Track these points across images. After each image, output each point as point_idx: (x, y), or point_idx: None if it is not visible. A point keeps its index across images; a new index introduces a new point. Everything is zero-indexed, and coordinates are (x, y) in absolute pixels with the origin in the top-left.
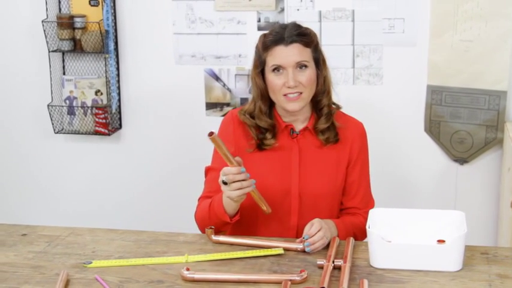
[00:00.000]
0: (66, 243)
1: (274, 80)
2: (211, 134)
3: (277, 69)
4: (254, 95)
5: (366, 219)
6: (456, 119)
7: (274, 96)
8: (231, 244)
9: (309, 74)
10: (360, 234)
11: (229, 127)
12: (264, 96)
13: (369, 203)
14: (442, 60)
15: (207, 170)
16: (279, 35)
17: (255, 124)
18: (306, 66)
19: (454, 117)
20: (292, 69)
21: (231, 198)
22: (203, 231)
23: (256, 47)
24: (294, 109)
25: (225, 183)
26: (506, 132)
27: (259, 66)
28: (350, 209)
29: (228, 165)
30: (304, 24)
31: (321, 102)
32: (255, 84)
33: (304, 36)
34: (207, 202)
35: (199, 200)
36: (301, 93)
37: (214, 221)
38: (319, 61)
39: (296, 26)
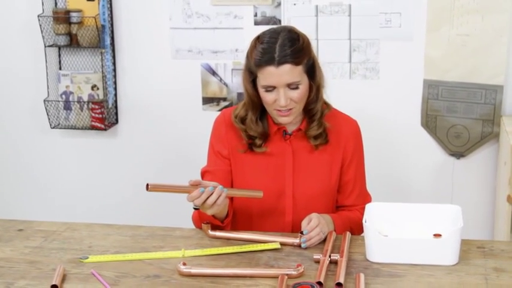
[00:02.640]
0: (63, 238)
1: (265, 96)
2: (147, 186)
3: (268, 87)
4: (246, 103)
5: (362, 214)
6: (453, 113)
7: (266, 107)
8: (228, 239)
9: (300, 91)
10: (357, 228)
11: (222, 128)
12: (256, 104)
13: (365, 200)
14: (438, 54)
15: (203, 173)
16: (270, 53)
17: (246, 129)
18: (297, 85)
19: (450, 112)
20: (284, 88)
21: (212, 214)
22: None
23: (247, 57)
24: (285, 122)
25: (196, 208)
26: (503, 127)
27: (251, 76)
28: (346, 207)
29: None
30: (300, 21)
31: (313, 110)
32: (246, 91)
33: (295, 55)
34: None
35: None
36: (292, 107)
37: (210, 222)
38: (312, 71)
39: (288, 41)
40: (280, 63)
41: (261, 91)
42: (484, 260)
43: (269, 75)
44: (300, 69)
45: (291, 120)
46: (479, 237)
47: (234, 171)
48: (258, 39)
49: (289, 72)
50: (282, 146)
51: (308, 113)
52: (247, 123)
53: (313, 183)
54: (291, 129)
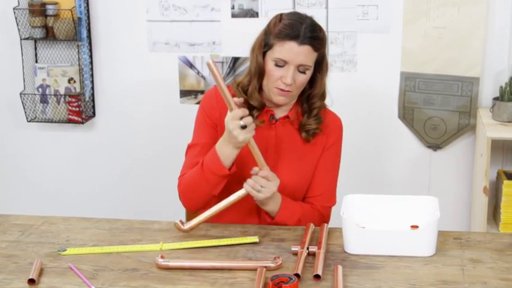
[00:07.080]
0: (40, 232)
1: (273, 70)
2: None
3: (280, 62)
4: (252, 71)
5: (317, 212)
6: (429, 105)
7: (266, 82)
8: (202, 223)
9: (305, 78)
10: (304, 221)
11: (213, 101)
12: (261, 75)
13: (330, 201)
14: (415, 47)
15: (190, 147)
16: (296, 30)
17: (246, 100)
18: (306, 69)
19: (427, 104)
20: (294, 67)
21: (244, 141)
22: (191, 204)
23: (268, 27)
24: (279, 102)
25: (244, 127)
26: (479, 118)
27: (265, 47)
28: (311, 198)
29: (232, 109)
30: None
31: (314, 104)
32: (256, 61)
33: (317, 41)
34: (195, 168)
35: (182, 177)
36: (291, 90)
37: (210, 181)
38: (321, 65)
39: (313, 26)
40: (303, 42)
41: (270, 64)
42: (461, 251)
43: (288, 49)
44: (315, 56)
45: (287, 101)
46: (456, 229)
47: None
48: (282, 16)
49: (307, 54)
50: (266, 129)
51: (309, 107)
52: (250, 92)
53: (290, 173)
54: (278, 115)
